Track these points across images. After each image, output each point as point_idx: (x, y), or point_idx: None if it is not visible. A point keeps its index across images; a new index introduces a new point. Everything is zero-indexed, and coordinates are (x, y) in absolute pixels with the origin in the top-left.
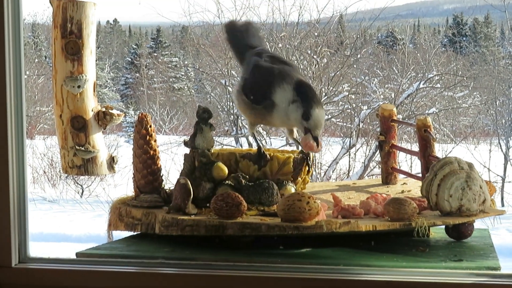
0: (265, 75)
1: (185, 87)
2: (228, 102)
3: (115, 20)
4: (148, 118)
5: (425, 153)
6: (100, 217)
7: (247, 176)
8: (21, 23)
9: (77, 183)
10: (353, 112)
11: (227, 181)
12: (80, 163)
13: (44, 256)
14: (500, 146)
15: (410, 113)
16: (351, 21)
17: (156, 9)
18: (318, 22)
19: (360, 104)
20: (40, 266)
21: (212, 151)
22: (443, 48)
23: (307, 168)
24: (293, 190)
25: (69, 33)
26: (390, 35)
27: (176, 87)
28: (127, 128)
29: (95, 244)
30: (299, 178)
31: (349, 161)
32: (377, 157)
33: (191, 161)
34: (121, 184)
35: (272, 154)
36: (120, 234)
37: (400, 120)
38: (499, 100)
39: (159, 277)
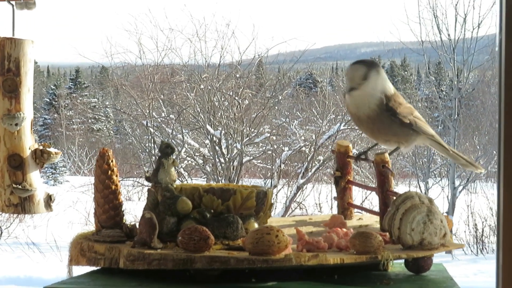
0: None
1: (104, 128)
2: (149, 143)
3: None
4: (109, 153)
5: (383, 188)
6: (19, 259)
7: (212, 210)
8: None
9: None
10: (274, 154)
11: (191, 215)
12: (17, 201)
13: None
14: (419, 187)
15: (330, 154)
16: (272, 63)
17: (77, 49)
18: (239, 64)
19: (281, 145)
20: None
21: (175, 186)
22: None
23: (269, 203)
24: (256, 225)
25: (6, 71)
26: (309, 77)
27: (95, 128)
28: (46, 168)
29: (14, 286)
30: (262, 213)
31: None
32: (298, 198)
33: (154, 195)
34: (41, 225)
35: (235, 188)
36: (79, 270)
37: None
38: None
39: None
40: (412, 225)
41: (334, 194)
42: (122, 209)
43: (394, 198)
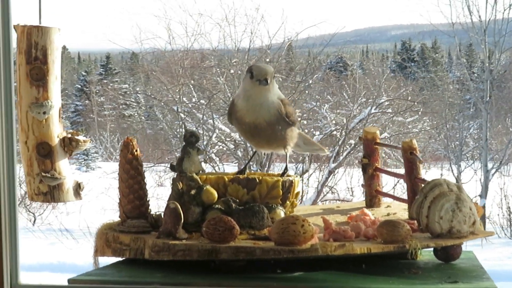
0: None
1: (136, 114)
2: (180, 129)
3: (64, 47)
4: (134, 143)
5: (411, 175)
6: (52, 245)
7: (237, 200)
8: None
9: (29, 211)
10: None
11: (217, 205)
12: (46, 190)
13: (35, 283)
14: (452, 170)
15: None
16: (302, 47)
17: (107, 35)
18: (269, 48)
19: (312, 129)
20: None
21: (200, 175)
22: (392, 74)
23: (295, 191)
24: (282, 214)
25: (34, 59)
26: (340, 61)
27: (127, 114)
28: (78, 155)
29: (48, 273)
30: (288, 202)
31: (302, 187)
32: (330, 182)
33: (179, 185)
34: (74, 212)
35: (261, 177)
36: (105, 260)
37: (384, 143)
38: (449, 125)
39: None
40: (441, 213)
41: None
42: (148, 199)
43: (423, 185)
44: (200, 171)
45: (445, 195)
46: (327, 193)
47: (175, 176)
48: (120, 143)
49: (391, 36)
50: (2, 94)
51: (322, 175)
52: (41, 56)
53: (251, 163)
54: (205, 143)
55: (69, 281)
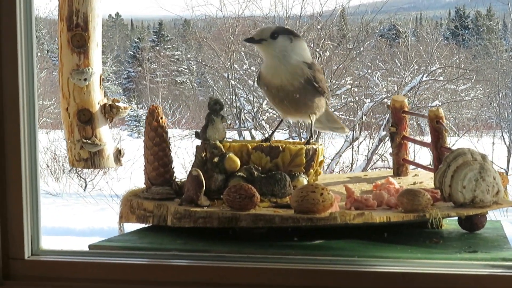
0: None
1: (188, 81)
2: (231, 96)
3: (117, 14)
4: (159, 110)
5: (437, 144)
6: (103, 211)
7: (259, 168)
8: (33, 17)
9: (80, 177)
10: (356, 105)
11: (239, 173)
12: (87, 156)
13: (56, 248)
14: (504, 139)
15: (413, 106)
16: (354, 14)
17: (159, 2)
18: (320, 15)
19: (363, 97)
20: (53, 258)
21: (224, 143)
22: (445, 41)
23: (319, 159)
24: (305, 182)
25: (75, 26)
26: (392, 28)
27: (179, 81)
28: (130, 122)
29: (99, 238)
30: (311, 170)
31: (352, 154)
32: (380, 150)
33: (202, 153)
34: (124, 177)
35: (284, 145)
36: (130, 226)
37: (412, 111)
38: (502, 93)
39: (172, 269)
40: (464, 182)
41: (411, 146)
42: (172, 167)
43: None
44: (224, 139)
45: (468, 164)
46: (377, 160)
47: (199, 143)
48: (171, 110)
49: (445, 3)
50: (23, 58)
51: (372, 143)
52: (82, 23)
53: (301, 130)
54: (255, 110)
55: (90, 246)
